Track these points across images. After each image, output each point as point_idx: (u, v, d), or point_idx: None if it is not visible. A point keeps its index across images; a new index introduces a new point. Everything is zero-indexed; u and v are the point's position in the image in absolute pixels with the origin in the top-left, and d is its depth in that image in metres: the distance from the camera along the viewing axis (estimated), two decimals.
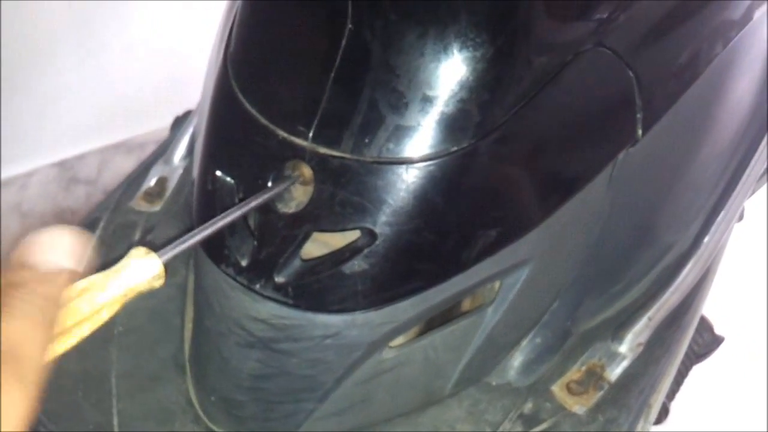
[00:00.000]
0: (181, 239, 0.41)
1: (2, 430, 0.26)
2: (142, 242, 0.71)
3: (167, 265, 0.37)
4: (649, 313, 0.63)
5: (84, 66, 1.37)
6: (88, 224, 0.74)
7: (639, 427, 0.60)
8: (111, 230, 0.73)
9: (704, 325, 0.77)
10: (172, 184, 0.76)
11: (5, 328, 0.27)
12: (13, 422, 0.26)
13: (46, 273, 0.31)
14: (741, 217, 0.89)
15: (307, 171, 0.49)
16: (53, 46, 1.30)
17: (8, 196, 1.40)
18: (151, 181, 0.77)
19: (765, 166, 0.79)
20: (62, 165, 1.46)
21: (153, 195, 0.76)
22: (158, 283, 0.37)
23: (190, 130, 0.78)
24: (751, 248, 1.23)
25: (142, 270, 0.36)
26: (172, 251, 0.39)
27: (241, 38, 0.55)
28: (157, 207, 0.75)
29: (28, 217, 1.45)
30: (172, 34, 1.42)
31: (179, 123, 0.86)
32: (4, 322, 0.28)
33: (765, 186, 0.94)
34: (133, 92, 1.46)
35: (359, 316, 0.51)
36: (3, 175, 1.36)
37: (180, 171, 0.77)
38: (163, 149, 0.80)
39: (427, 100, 0.47)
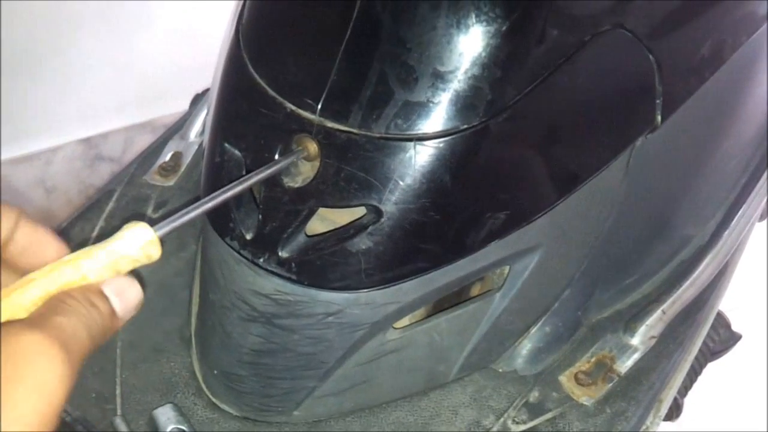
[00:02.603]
0: (182, 212, 0.40)
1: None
2: (149, 219, 0.71)
3: (163, 238, 0.37)
4: (664, 306, 0.62)
5: (111, 45, 1.37)
6: (103, 196, 0.74)
7: (648, 422, 0.58)
8: (124, 203, 0.73)
9: (721, 322, 0.75)
10: (186, 160, 0.76)
11: (62, 321, 0.30)
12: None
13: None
14: (765, 216, 0.87)
15: (313, 145, 0.48)
16: (79, 23, 1.31)
17: (33, 171, 1.41)
18: (167, 156, 0.77)
19: None
20: (87, 142, 1.47)
21: (168, 170, 0.76)
22: (154, 253, 0.36)
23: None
24: None
25: (133, 240, 0.35)
26: (170, 224, 0.38)
27: (253, 10, 0.54)
28: (171, 182, 0.75)
29: (52, 192, 1.46)
30: (200, 16, 1.43)
31: (198, 100, 0.86)
32: (63, 317, 0.30)
33: None
34: (159, 73, 1.47)
35: (362, 295, 0.51)
36: (28, 150, 1.38)
37: (195, 147, 0.77)
38: (180, 125, 0.80)
39: (438, 76, 0.46)
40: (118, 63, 1.43)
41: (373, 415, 0.57)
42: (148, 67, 1.47)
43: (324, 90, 0.48)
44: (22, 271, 0.34)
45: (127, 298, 0.34)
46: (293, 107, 0.49)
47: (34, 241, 0.34)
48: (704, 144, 0.64)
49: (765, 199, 0.74)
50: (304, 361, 0.53)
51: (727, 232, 0.67)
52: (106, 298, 0.33)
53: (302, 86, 0.49)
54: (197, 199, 0.46)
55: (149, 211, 0.72)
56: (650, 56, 0.53)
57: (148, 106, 1.53)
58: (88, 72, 1.40)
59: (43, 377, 0.28)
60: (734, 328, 0.77)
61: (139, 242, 0.35)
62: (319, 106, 0.48)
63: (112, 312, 0.33)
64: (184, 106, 0.92)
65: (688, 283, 0.63)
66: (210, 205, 0.43)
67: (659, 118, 0.55)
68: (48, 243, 0.35)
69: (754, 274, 0.99)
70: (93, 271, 0.33)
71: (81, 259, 0.34)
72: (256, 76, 0.51)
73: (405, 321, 0.55)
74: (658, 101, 0.54)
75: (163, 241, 0.37)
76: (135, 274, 0.36)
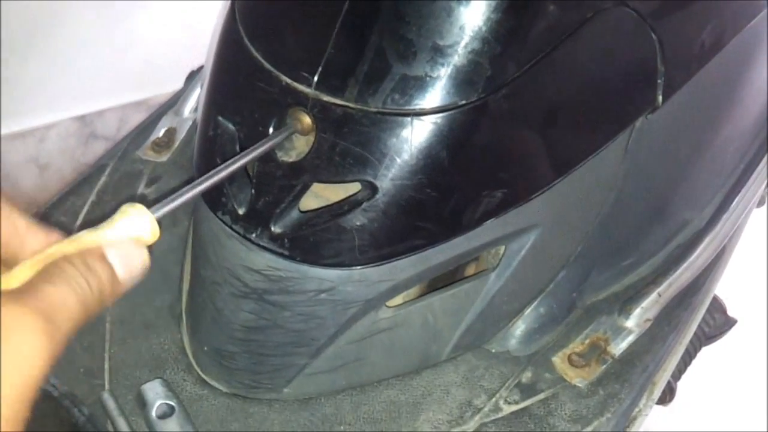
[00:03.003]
0: (177, 193, 0.40)
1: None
2: (141, 195, 0.70)
3: (161, 221, 0.36)
4: (660, 289, 0.61)
5: (107, 23, 1.36)
6: (95, 171, 0.73)
7: (641, 404, 0.58)
8: (116, 178, 0.72)
9: (716, 306, 0.75)
10: (180, 136, 0.75)
11: (50, 290, 0.29)
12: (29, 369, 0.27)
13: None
14: (763, 202, 0.87)
15: (308, 119, 0.48)
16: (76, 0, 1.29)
17: (26, 148, 1.40)
18: (160, 132, 0.76)
19: None
20: (82, 120, 1.45)
21: (161, 145, 0.75)
22: (150, 236, 0.36)
23: None
24: None
25: (130, 224, 0.34)
26: (166, 206, 0.38)
27: None
28: (164, 157, 0.74)
29: (45, 170, 1.45)
30: None
31: (193, 76, 0.85)
32: (51, 285, 0.29)
33: None
34: (156, 52, 1.45)
35: (356, 272, 0.50)
36: (22, 127, 1.36)
37: (189, 123, 0.76)
38: (174, 101, 0.79)
39: (437, 50, 0.46)
40: (114, 41, 1.41)
41: (364, 394, 0.57)
42: (144, 45, 1.46)
43: (320, 63, 0.47)
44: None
45: (131, 262, 0.33)
46: (289, 80, 0.48)
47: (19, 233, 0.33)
48: (704, 127, 0.63)
49: (764, 185, 0.74)
50: (295, 338, 0.53)
51: (725, 217, 0.66)
52: (107, 263, 0.32)
53: (298, 59, 0.48)
54: (191, 176, 0.46)
55: (141, 187, 0.71)
56: (653, 35, 0.52)
57: (144, 84, 1.52)
58: (84, 49, 1.39)
59: (21, 351, 0.27)
60: (730, 313, 0.77)
61: (135, 225, 0.34)
62: (315, 80, 0.47)
63: (114, 277, 0.32)
64: (180, 85, 0.92)
65: (684, 266, 0.63)
66: (206, 185, 0.42)
67: (660, 98, 0.54)
68: (34, 234, 0.33)
69: (751, 259, 0.98)
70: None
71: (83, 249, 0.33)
72: (252, 49, 0.51)
73: (398, 299, 0.55)
74: (659, 81, 0.53)
75: (160, 222, 0.36)
76: None
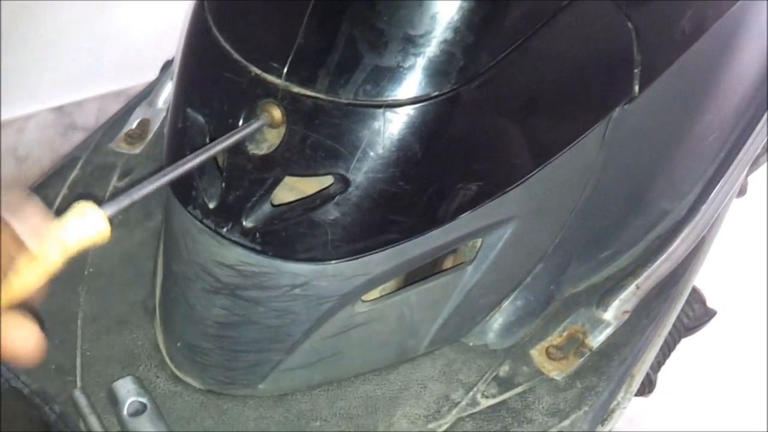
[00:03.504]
0: (136, 187, 0.38)
1: None
2: (114, 188, 0.69)
3: (112, 218, 0.35)
4: (638, 281, 0.61)
5: (87, 12, 1.34)
6: (67, 163, 0.72)
7: (619, 397, 0.58)
8: (89, 171, 0.71)
9: (696, 297, 0.75)
10: (154, 127, 0.74)
11: None
12: None
13: None
14: (743, 192, 0.86)
15: (279, 111, 0.47)
16: None
17: (5, 140, 1.38)
18: (133, 124, 0.75)
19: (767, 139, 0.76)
20: (61, 110, 1.44)
21: (134, 137, 0.74)
22: (100, 234, 0.35)
23: None
24: (753, 224, 1.20)
25: (79, 221, 0.34)
26: (123, 201, 0.36)
27: None
28: (137, 149, 0.73)
29: (24, 161, 1.43)
30: None
31: (168, 66, 0.84)
32: None
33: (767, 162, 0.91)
34: (135, 42, 1.43)
35: (330, 267, 0.49)
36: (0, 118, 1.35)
37: (163, 114, 0.75)
38: (148, 92, 0.78)
39: (409, 40, 0.45)
40: (94, 30, 1.40)
41: (340, 389, 0.56)
42: (124, 35, 1.44)
43: (290, 53, 0.46)
44: None
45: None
46: (258, 71, 0.47)
47: None
48: (683, 117, 0.62)
49: (743, 175, 0.73)
50: (269, 333, 0.52)
51: (704, 207, 0.66)
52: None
53: (268, 49, 0.47)
54: (161, 168, 0.45)
55: (114, 180, 0.70)
56: (629, 23, 0.51)
57: (123, 74, 1.50)
58: (63, 39, 1.37)
59: None
60: (709, 304, 0.77)
61: (86, 223, 0.34)
62: (285, 70, 0.46)
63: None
64: None
65: (663, 257, 0.63)
66: (167, 178, 0.41)
67: (637, 88, 0.53)
68: None
69: (731, 250, 0.98)
70: (42, 251, 0.32)
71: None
72: (221, 39, 0.49)
73: (374, 294, 0.54)
74: (636, 71, 0.53)
75: (112, 219, 0.35)
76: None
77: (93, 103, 1.49)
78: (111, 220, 0.34)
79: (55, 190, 0.69)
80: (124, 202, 0.36)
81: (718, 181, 0.68)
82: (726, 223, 0.73)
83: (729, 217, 0.74)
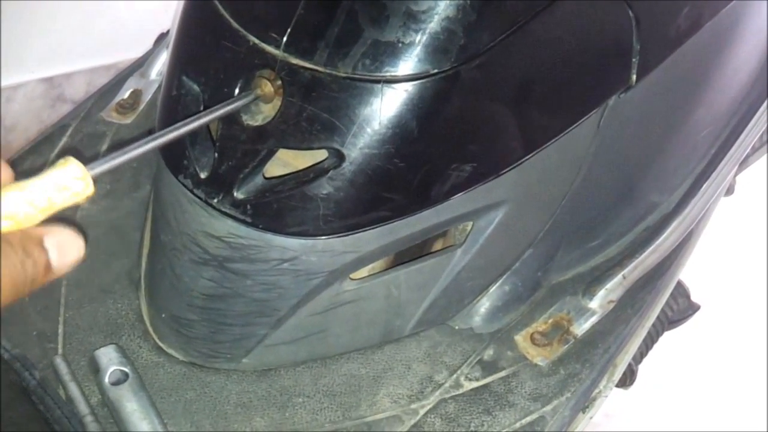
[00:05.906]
0: (123, 149, 0.38)
1: None
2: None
3: (96, 178, 0.35)
4: (625, 272, 0.61)
5: None
6: (57, 131, 0.71)
7: (601, 386, 0.58)
8: (78, 139, 0.70)
9: (681, 291, 0.75)
10: (146, 98, 0.73)
11: None
12: None
13: None
14: (731, 191, 0.87)
15: (276, 82, 0.46)
16: None
17: None
18: (125, 94, 0.74)
19: (759, 137, 0.77)
20: (50, 82, 1.42)
21: (126, 107, 0.73)
22: (83, 189, 0.34)
23: None
24: (742, 222, 1.21)
25: (63, 175, 0.33)
26: (109, 162, 0.36)
27: None
28: (128, 120, 0.72)
29: (11, 131, 1.41)
30: None
31: (162, 38, 0.83)
32: None
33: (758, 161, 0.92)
34: (127, 16, 1.42)
35: (320, 242, 0.49)
36: None
37: (156, 85, 0.74)
38: (141, 62, 0.77)
39: (411, 16, 0.44)
40: (87, 4, 1.38)
41: (324, 366, 0.56)
42: (115, 8, 1.43)
43: (290, 24, 0.46)
44: None
45: (66, 252, 0.32)
46: (256, 41, 0.47)
47: None
48: (677, 110, 0.63)
49: (732, 172, 0.74)
50: (256, 307, 0.52)
51: (693, 201, 0.66)
52: (44, 250, 0.31)
53: (267, 19, 0.47)
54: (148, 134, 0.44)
55: (104, 149, 0.69)
56: (630, 12, 0.51)
57: (113, 48, 1.48)
58: (55, 10, 1.35)
59: None
60: (694, 298, 0.77)
61: (69, 178, 0.33)
62: (284, 41, 0.46)
63: (47, 265, 0.32)
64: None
65: (650, 249, 0.63)
66: (156, 143, 0.40)
67: (634, 77, 0.53)
68: None
69: (718, 247, 0.99)
70: (23, 203, 0.31)
71: (10, 191, 0.31)
72: (220, 7, 0.49)
73: (363, 272, 0.54)
74: (634, 60, 0.53)
75: (97, 178, 0.34)
76: (86, 221, 0.34)
77: (83, 76, 1.47)
78: (96, 179, 0.34)
79: (44, 156, 0.68)
80: (111, 162, 0.36)
81: (708, 177, 0.69)
82: (714, 220, 0.74)
83: (717, 215, 0.75)
